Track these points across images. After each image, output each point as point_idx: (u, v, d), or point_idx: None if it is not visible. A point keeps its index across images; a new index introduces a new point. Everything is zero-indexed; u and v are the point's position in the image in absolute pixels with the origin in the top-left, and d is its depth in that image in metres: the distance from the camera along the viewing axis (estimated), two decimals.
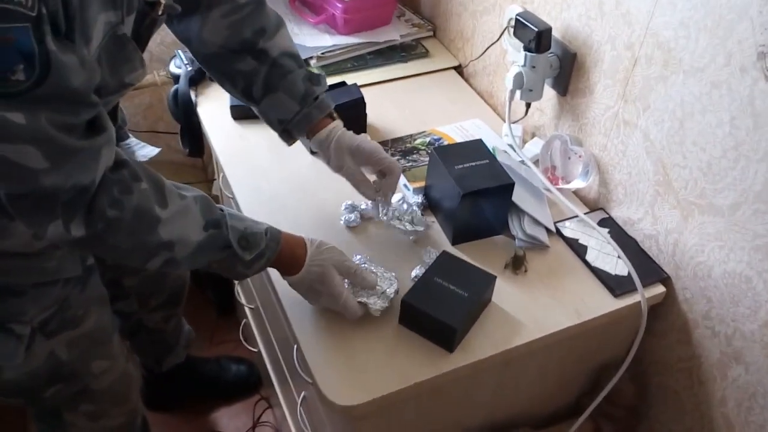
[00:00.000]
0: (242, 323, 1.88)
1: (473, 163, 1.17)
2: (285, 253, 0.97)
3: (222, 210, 0.93)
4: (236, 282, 1.79)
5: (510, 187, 1.15)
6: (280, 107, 1.09)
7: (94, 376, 1.24)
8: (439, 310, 0.99)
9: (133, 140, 1.29)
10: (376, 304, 1.03)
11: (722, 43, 0.95)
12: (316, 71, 1.11)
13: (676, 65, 1.04)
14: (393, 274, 1.08)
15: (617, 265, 1.17)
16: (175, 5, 0.93)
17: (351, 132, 1.13)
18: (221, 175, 1.38)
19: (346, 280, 1.02)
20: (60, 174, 0.75)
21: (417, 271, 1.11)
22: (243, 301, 1.73)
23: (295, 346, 1.09)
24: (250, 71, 1.08)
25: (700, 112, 1.02)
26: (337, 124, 1.12)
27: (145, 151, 1.27)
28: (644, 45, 1.09)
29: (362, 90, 1.53)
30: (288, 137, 1.13)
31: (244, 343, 1.84)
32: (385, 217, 1.18)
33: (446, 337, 1.00)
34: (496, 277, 1.06)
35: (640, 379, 1.27)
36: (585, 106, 1.27)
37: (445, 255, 1.09)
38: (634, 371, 1.24)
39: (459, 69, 1.66)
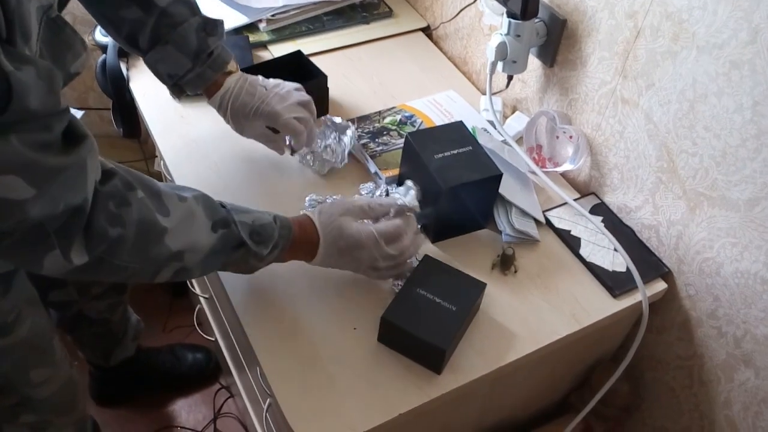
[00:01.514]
0: (196, 308, 1.74)
1: (455, 151, 1.02)
2: (298, 236, 0.89)
3: (224, 205, 0.84)
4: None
5: (497, 179, 1.01)
6: (170, 61, 0.99)
7: (34, 386, 1.11)
8: (424, 328, 0.87)
9: None
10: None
11: (747, 16, 0.82)
12: (212, 18, 1.00)
13: (688, 39, 0.91)
14: (409, 182, 1.04)
15: (614, 259, 1.06)
16: None
17: (249, 85, 1.04)
18: (162, 163, 1.20)
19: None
20: (47, 199, 0.65)
21: (399, 279, 0.98)
22: (197, 291, 1.58)
23: (258, 368, 0.96)
24: (135, 20, 0.97)
25: (716, 94, 0.89)
26: (231, 83, 1.03)
27: None
28: (650, 14, 0.95)
29: (320, 58, 1.37)
30: (179, 92, 1.04)
31: (199, 330, 1.70)
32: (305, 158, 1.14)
33: (433, 359, 0.88)
34: (485, 285, 0.93)
35: (633, 376, 1.19)
36: (575, 80, 1.13)
37: (427, 261, 0.96)
38: (628, 367, 1.15)
39: (427, 31, 1.49)
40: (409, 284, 0.92)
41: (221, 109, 1.05)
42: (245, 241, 0.83)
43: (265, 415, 1.21)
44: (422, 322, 0.87)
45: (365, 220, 0.93)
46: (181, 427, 1.73)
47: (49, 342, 1.13)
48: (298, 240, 0.89)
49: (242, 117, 1.04)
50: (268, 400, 1.16)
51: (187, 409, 1.78)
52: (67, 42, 0.72)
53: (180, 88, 1.03)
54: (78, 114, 1.08)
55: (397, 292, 0.92)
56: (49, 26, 0.68)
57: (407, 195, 1.01)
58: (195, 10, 0.99)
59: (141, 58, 1.01)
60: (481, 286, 0.93)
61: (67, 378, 1.18)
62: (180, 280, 0.82)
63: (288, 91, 1.06)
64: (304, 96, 1.07)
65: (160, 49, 0.98)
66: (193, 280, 1.60)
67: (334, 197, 1.07)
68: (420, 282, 0.92)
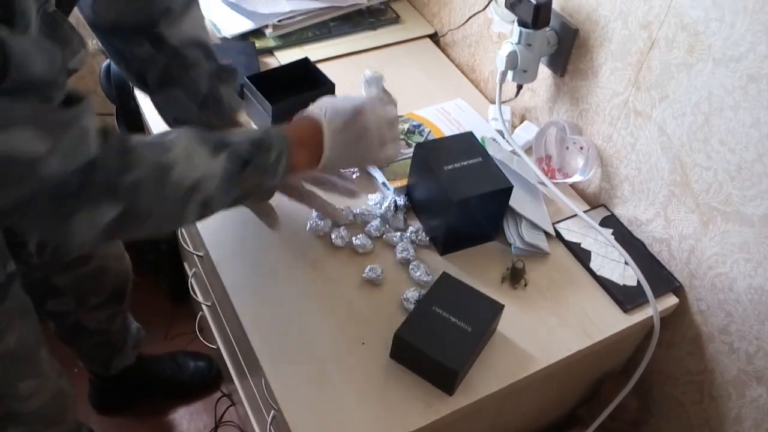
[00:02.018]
0: (198, 316, 1.72)
1: (465, 163, 1.01)
2: (298, 137, 0.85)
3: (212, 132, 0.81)
4: (189, 274, 1.61)
5: (508, 191, 1.00)
6: (177, 105, 0.94)
7: (21, 399, 1.08)
8: (437, 348, 0.85)
9: None
10: None
11: (766, 30, 0.81)
12: (227, 65, 0.95)
13: (704, 52, 0.89)
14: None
15: (625, 273, 1.04)
16: None
17: None
18: None
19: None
20: (59, 157, 0.63)
21: (410, 293, 0.96)
22: (199, 298, 1.56)
23: (263, 380, 0.94)
24: (146, 57, 0.92)
25: (732, 108, 0.88)
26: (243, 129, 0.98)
27: None
28: (665, 25, 0.94)
29: (327, 64, 1.35)
30: None
31: (200, 338, 1.69)
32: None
33: (445, 380, 0.87)
34: (503, 306, 0.91)
35: (643, 390, 1.17)
36: (586, 90, 1.11)
37: (444, 278, 0.94)
38: (637, 381, 1.14)
39: (435, 38, 1.48)
40: (424, 301, 0.91)
41: None
42: (250, 156, 0.80)
43: (269, 428, 1.19)
44: (436, 341, 0.86)
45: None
46: None
47: (36, 352, 1.10)
48: (299, 139, 0.86)
49: None
50: (272, 412, 1.14)
51: (188, 418, 1.76)
52: (65, 38, 0.70)
53: None
54: None
55: (412, 309, 0.91)
56: (45, 21, 0.66)
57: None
58: (210, 54, 0.94)
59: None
60: (497, 308, 0.91)
61: (56, 390, 1.15)
62: (207, 215, 0.80)
63: None
64: None
65: (169, 91, 0.93)
66: (195, 287, 1.58)
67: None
68: (436, 300, 0.91)
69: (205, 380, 1.78)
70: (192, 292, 1.59)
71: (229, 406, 1.75)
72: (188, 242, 1.38)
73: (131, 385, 1.69)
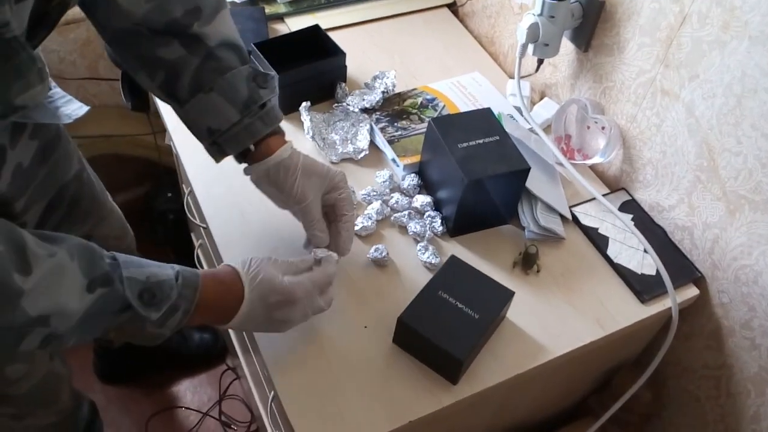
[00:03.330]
0: None
1: (480, 141, 0.96)
2: (213, 294, 0.74)
3: (114, 258, 0.69)
4: (196, 245, 1.58)
5: (525, 173, 0.95)
6: (213, 113, 0.82)
7: (10, 383, 1.05)
8: (442, 335, 0.81)
9: (57, 92, 1.02)
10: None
11: None
12: (264, 70, 0.85)
13: (740, 29, 0.83)
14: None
15: (643, 261, 0.99)
16: None
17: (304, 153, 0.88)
18: (174, 148, 1.14)
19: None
20: None
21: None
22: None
23: (261, 359, 0.91)
24: (175, 61, 0.81)
25: (767, 90, 0.82)
26: (291, 142, 0.87)
27: (70, 109, 1.00)
28: None
29: (338, 33, 1.30)
30: (218, 152, 0.86)
31: None
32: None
33: (450, 369, 0.83)
34: (513, 293, 0.87)
35: (656, 382, 1.13)
36: (611, 67, 1.05)
37: (452, 262, 0.90)
38: (651, 373, 1.09)
39: (453, 7, 1.41)
40: (430, 285, 0.86)
41: (283, 173, 0.85)
42: (131, 303, 0.68)
43: (270, 404, 1.17)
44: (441, 328, 0.82)
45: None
46: (185, 408, 1.70)
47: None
48: (211, 298, 0.74)
49: (315, 172, 0.86)
50: (272, 392, 1.11)
51: (192, 390, 1.75)
52: (19, 69, 0.62)
53: (220, 148, 0.85)
54: (81, 111, 0.99)
55: (418, 293, 0.86)
56: None
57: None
58: (244, 57, 0.85)
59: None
60: (508, 295, 0.86)
61: (46, 372, 1.11)
62: (53, 348, 0.70)
63: None
64: None
65: (203, 97, 0.81)
66: (201, 259, 1.55)
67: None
68: (443, 284, 0.86)
69: (210, 352, 1.77)
70: (198, 264, 1.56)
71: (233, 380, 1.74)
72: (195, 214, 1.34)
73: (136, 356, 1.67)
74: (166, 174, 1.73)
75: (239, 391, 1.73)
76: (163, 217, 1.77)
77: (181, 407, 1.71)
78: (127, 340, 0.74)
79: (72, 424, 1.28)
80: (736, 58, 0.84)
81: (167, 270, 0.71)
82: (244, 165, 0.88)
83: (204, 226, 1.23)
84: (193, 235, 1.67)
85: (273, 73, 0.85)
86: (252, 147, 0.84)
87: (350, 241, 0.89)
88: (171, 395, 1.74)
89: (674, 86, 0.95)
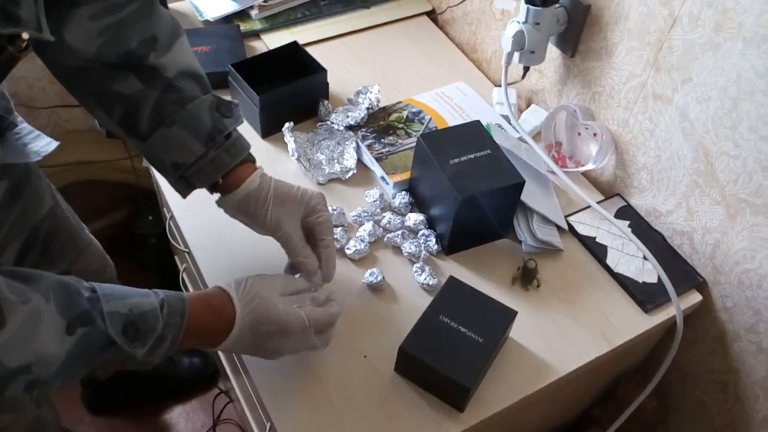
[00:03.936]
0: None
1: (472, 156, 0.93)
2: (199, 320, 0.71)
3: (94, 291, 0.65)
4: (181, 269, 1.53)
5: (520, 186, 0.92)
6: (177, 147, 0.78)
7: None
8: (446, 362, 0.78)
9: (24, 127, 0.97)
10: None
11: None
12: (226, 99, 0.80)
13: (733, 30, 0.81)
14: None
15: (644, 269, 0.97)
16: (47, 37, 0.62)
17: (276, 178, 0.84)
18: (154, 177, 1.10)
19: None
20: None
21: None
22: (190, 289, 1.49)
23: (256, 393, 0.87)
24: (133, 95, 0.76)
25: (764, 92, 0.80)
26: (261, 170, 0.83)
27: (39, 145, 0.95)
28: (688, 1, 0.85)
29: (317, 47, 1.26)
30: (185, 186, 0.81)
31: None
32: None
33: (456, 397, 0.80)
34: (516, 313, 0.84)
35: (660, 388, 1.11)
36: (599, 72, 1.03)
37: (452, 284, 0.87)
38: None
39: (432, 15, 1.38)
40: (430, 310, 0.83)
41: (256, 202, 0.81)
42: (114, 339, 0.64)
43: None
44: (445, 355, 0.79)
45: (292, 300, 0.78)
46: None
47: None
48: (201, 323, 0.71)
49: (289, 199, 0.82)
50: (268, 425, 1.08)
51: (185, 416, 1.70)
52: None
53: (187, 182, 0.81)
54: (51, 147, 0.94)
55: (418, 319, 0.83)
56: None
57: None
58: (205, 87, 0.80)
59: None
60: (511, 315, 0.84)
61: (33, 419, 1.07)
62: (40, 391, 0.65)
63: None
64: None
65: (165, 132, 0.77)
66: (187, 283, 1.51)
67: (333, 209, 0.97)
68: (443, 308, 0.83)
69: (201, 376, 1.72)
70: (183, 289, 1.52)
71: (227, 403, 1.69)
72: (178, 239, 1.30)
73: (125, 385, 1.62)
74: (145, 197, 1.68)
75: (233, 415, 1.69)
76: (145, 241, 1.73)
77: None
78: (116, 369, 0.69)
79: None
80: (731, 61, 0.82)
81: (151, 299, 0.68)
82: (217, 195, 0.84)
83: (188, 251, 1.19)
84: (177, 259, 1.62)
85: (235, 101, 0.81)
86: (220, 180, 0.81)
87: (333, 266, 0.85)
88: (163, 423, 1.69)
89: (666, 90, 0.93)
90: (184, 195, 0.83)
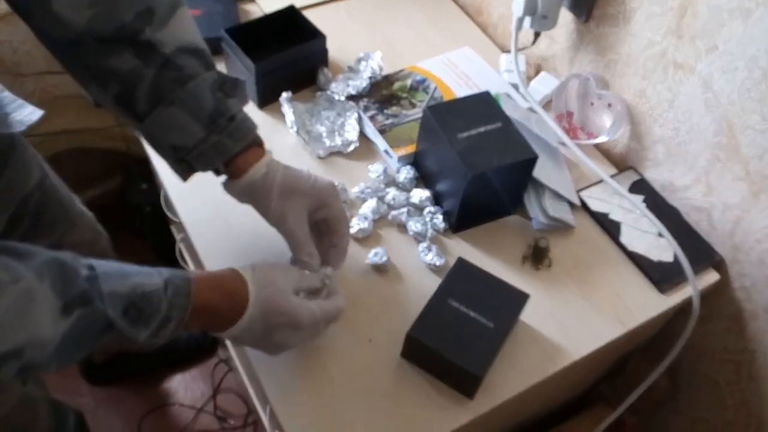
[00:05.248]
0: None
1: (482, 129, 0.88)
2: (207, 301, 0.67)
3: (92, 269, 0.61)
4: (177, 239, 1.49)
5: (532, 162, 0.87)
6: (176, 129, 0.72)
7: None
8: (456, 349, 0.75)
9: (5, 96, 0.91)
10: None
11: None
12: (230, 76, 0.74)
13: None
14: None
15: (659, 246, 0.93)
16: None
17: (287, 164, 0.78)
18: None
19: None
20: None
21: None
22: (190, 266, 1.45)
23: (256, 377, 0.84)
24: (129, 72, 0.70)
25: None
26: (270, 156, 0.77)
27: (22, 114, 0.90)
28: None
29: (314, 11, 1.20)
30: (185, 170, 0.76)
31: None
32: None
33: (466, 384, 0.77)
34: (528, 296, 0.81)
35: (671, 367, 1.08)
36: (615, 38, 0.97)
37: (461, 266, 0.83)
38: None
39: None
40: (439, 294, 0.80)
41: (260, 191, 0.77)
42: (114, 321, 0.60)
43: (269, 410, 1.11)
44: (454, 341, 0.75)
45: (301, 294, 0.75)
46: (179, 405, 1.64)
47: None
48: (210, 304, 0.67)
49: (296, 191, 0.77)
50: (268, 408, 1.05)
51: (185, 386, 1.68)
52: None
53: (188, 165, 0.75)
54: (35, 116, 0.89)
55: (426, 304, 0.79)
56: None
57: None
58: (208, 63, 0.74)
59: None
60: (523, 298, 0.80)
61: (19, 398, 1.03)
62: (34, 375, 0.63)
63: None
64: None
65: (163, 111, 0.71)
66: (184, 253, 1.47)
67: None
68: (452, 292, 0.79)
69: (200, 347, 1.70)
70: (180, 260, 1.48)
71: (227, 372, 1.68)
72: (174, 210, 1.26)
73: (123, 357, 1.60)
74: (138, 165, 1.63)
75: (233, 384, 1.67)
76: (139, 209, 1.68)
77: (174, 404, 1.64)
78: (116, 351, 0.66)
79: None
80: (762, 28, 0.77)
81: (154, 278, 0.63)
82: (223, 177, 0.79)
83: (182, 222, 1.15)
84: (173, 228, 1.58)
85: (241, 79, 0.75)
86: (221, 166, 0.76)
87: (344, 256, 0.81)
88: (163, 393, 1.67)
89: (689, 59, 0.87)
90: (184, 178, 0.77)
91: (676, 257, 0.91)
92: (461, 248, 0.91)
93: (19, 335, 0.56)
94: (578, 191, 0.98)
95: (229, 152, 0.74)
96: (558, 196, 0.95)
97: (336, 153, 1.00)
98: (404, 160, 0.97)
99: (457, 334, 0.76)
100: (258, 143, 0.78)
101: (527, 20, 1.00)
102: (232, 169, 0.76)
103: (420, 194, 0.94)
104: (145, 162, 1.52)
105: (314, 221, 0.79)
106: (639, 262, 0.92)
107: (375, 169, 0.96)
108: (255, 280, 0.70)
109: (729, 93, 0.84)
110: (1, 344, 0.55)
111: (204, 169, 0.75)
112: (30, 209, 1.01)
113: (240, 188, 0.76)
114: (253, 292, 0.69)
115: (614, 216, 0.96)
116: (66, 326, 0.58)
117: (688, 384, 1.09)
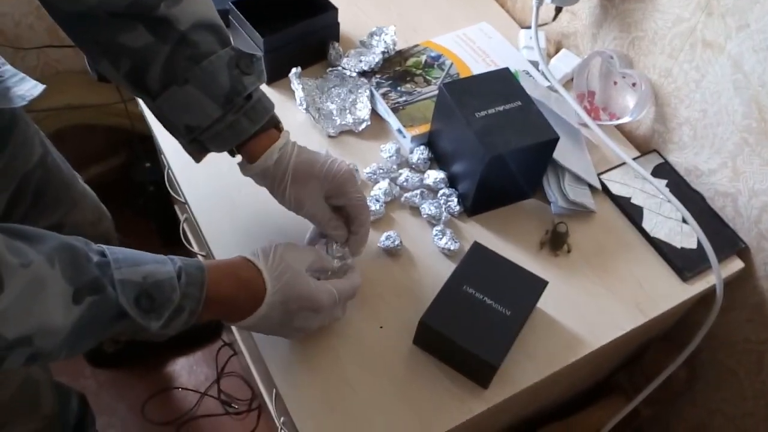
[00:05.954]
0: None
1: (500, 108, 0.84)
2: (222, 291, 0.65)
3: (104, 255, 0.59)
4: (181, 220, 1.46)
5: (553, 143, 0.84)
6: (190, 108, 0.70)
7: None
8: (471, 337, 0.72)
9: (7, 69, 0.88)
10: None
11: None
12: (246, 51, 0.70)
13: None
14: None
15: (682, 232, 0.90)
16: None
17: (305, 147, 0.76)
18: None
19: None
20: None
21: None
22: (194, 248, 1.42)
23: (263, 365, 0.81)
24: (142, 49, 0.68)
25: None
26: (287, 137, 0.75)
27: (24, 89, 0.87)
28: None
29: None
30: (198, 150, 0.74)
31: None
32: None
33: (481, 373, 0.74)
34: (546, 283, 0.77)
35: (690, 357, 1.05)
36: (641, 14, 0.93)
37: (476, 250, 0.79)
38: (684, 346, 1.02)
39: None
40: (453, 279, 0.76)
41: (275, 174, 0.75)
42: (126, 310, 0.58)
43: (275, 396, 1.08)
44: (470, 329, 0.72)
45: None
46: (182, 389, 1.62)
47: None
48: (224, 295, 0.65)
49: (310, 177, 0.74)
50: (274, 391, 1.03)
51: (189, 370, 1.66)
52: None
53: (201, 145, 0.73)
54: (36, 90, 0.86)
55: (440, 289, 0.76)
56: None
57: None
58: (225, 39, 0.71)
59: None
60: (541, 285, 0.77)
61: (22, 379, 1.01)
62: (43, 363, 0.61)
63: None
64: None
65: (177, 90, 0.69)
66: (188, 234, 1.44)
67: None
68: (467, 277, 0.76)
69: (204, 331, 1.68)
70: (184, 240, 1.45)
71: (231, 356, 1.66)
72: (178, 190, 1.23)
73: (126, 345, 1.58)
74: (142, 142, 1.60)
75: (237, 368, 1.65)
76: (143, 188, 1.65)
77: (178, 388, 1.62)
78: (127, 340, 0.64)
79: (58, 429, 1.19)
80: None
81: (167, 266, 0.61)
82: (239, 157, 0.77)
83: (187, 203, 1.12)
84: (177, 208, 1.55)
85: (257, 55, 0.71)
86: (235, 148, 0.73)
87: (364, 243, 0.78)
88: (166, 376, 1.65)
89: (718, 37, 0.83)
90: (198, 159, 0.75)
91: (699, 244, 0.87)
92: (476, 233, 0.88)
93: (29, 322, 0.54)
94: (599, 174, 0.94)
95: (246, 133, 0.71)
96: (578, 179, 0.91)
97: (347, 132, 0.96)
98: (418, 139, 0.93)
99: (473, 322, 0.73)
100: (274, 123, 0.75)
101: None
102: (246, 152, 0.73)
103: (434, 176, 0.90)
104: (150, 139, 1.49)
105: (332, 206, 0.77)
106: (661, 248, 0.88)
107: (387, 149, 0.93)
108: (269, 267, 0.68)
109: (760, 74, 0.80)
110: (10, 331, 0.53)
111: (218, 149, 0.73)
112: (31, 187, 0.99)
113: (254, 173, 0.75)
114: (270, 279, 0.67)
115: (636, 200, 0.93)
116: (77, 314, 0.56)
117: (707, 375, 1.06)
